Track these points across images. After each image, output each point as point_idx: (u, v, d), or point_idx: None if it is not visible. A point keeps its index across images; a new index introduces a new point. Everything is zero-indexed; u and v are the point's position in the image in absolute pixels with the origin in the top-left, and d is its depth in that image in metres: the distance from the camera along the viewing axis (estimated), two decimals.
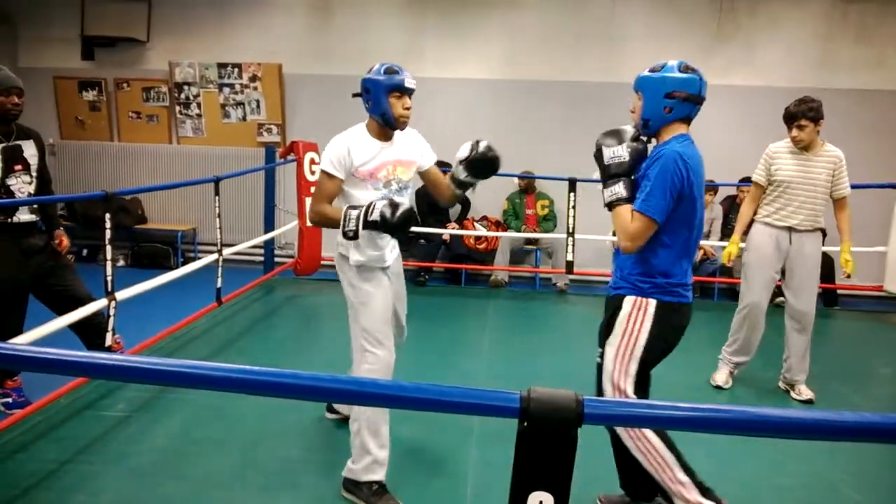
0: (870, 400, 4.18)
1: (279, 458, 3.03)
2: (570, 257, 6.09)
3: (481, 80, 7.07)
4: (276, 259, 6.82)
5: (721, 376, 4.14)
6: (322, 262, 6.38)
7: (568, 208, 6.01)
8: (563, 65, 6.92)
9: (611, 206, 2.31)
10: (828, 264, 6.44)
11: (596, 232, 6.57)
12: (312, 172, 6.07)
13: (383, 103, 2.64)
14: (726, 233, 6.65)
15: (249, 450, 3.12)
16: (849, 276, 3.95)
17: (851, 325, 6.01)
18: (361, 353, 2.75)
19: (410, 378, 3.37)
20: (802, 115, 3.73)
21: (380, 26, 7.10)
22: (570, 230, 6.03)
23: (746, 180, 6.51)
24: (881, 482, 3.12)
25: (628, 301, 2.35)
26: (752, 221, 4.04)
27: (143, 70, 7.32)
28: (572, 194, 5.97)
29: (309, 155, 6.04)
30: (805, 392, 3.96)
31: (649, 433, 2.28)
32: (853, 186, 5.46)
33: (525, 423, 0.92)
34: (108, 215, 3.50)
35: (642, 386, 2.41)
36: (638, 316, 2.33)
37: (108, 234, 3.51)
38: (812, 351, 4.11)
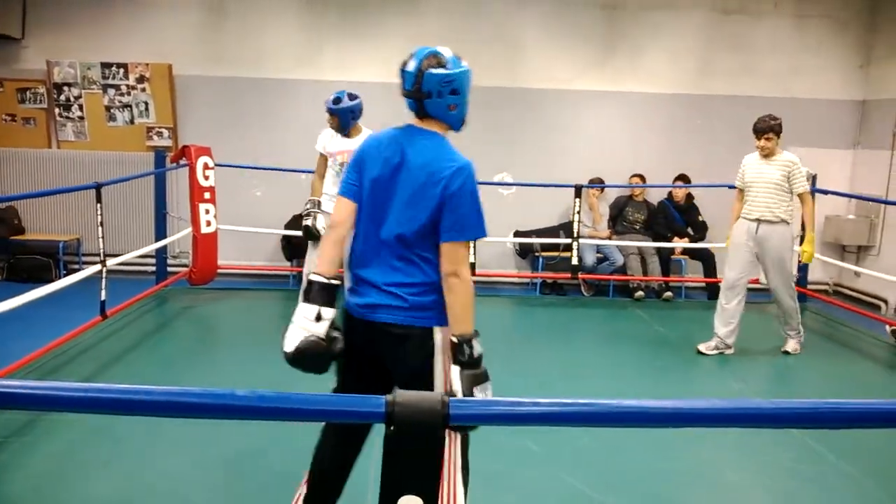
0: (747, 385, 4.46)
1: (169, 478, 2.90)
2: (472, 259, 6.17)
3: (381, 83, 7.03)
4: (170, 269, 6.53)
5: (705, 346, 4.94)
6: (219, 270, 6.18)
7: None
8: None
9: None
10: (709, 258, 6.83)
11: (496, 234, 6.70)
12: (206, 178, 5.87)
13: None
14: (620, 230, 6.92)
15: (138, 470, 2.97)
16: (805, 264, 4.85)
17: None
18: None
19: (304, 388, 3.29)
20: (770, 129, 4.70)
21: (276, 28, 6.95)
22: None
23: (639, 178, 6.88)
24: (763, 462, 3.32)
25: None
26: None
27: (17, 69, 6.83)
28: None
29: (202, 159, 5.84)
30: (789, 346, 4.97)
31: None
32: (730, 186, 5.86)
33: (391, 428, 0.92)
34: None
35: None
36: None
37: None
38: (695, 338, 4.91)
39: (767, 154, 4.73)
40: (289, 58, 6.97)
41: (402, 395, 0.91)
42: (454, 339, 2.01)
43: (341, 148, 4.62)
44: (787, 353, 4.96)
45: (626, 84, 7.10)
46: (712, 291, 6.82)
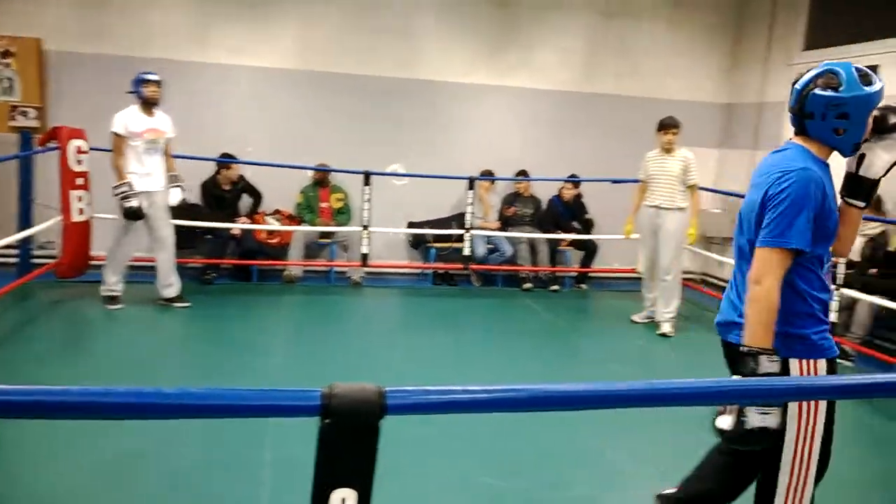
0: (627, 366, 4.71)
1: (50, 483, 2.70)
2: (365, 250, 6.13)
3: (275, 69, 6.84)
4: (35, 260, 6.04)
5: (638, 316, 5.71)
6: (91, 263, 5.78)
7: (363, 201, 6.04)
8: (359, 58, 6.90)
9: None
10: (593, 251, 7.15)
11: (389, 225, 6.69)
12: (79, 162, 5.47)
13: (140, 89, 4.94)
14: (511, 222, 7.09)
15: (19, 475, 2.74)
16: (690, 244, 5.73)
17: (612, 302, 6.69)
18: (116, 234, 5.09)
19: (199, 383, 3.18)
20: (677, 125, 5.28)
21: (162, 6, 6.56)
22: (366, 223, 6.07)
23: (521, 173, 7.08)
24: (645, 439, 3.53)
25: None
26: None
27: None
28: (367, 187, 6.00)
29: (74, 143, 5.42)
30: (665, 328, 5.35)
31: None
32: (613, 181, 6.21)
33: (327, 420, 0.90)
34: None
35: None
36: None
37: None
38: (581, 326, 5.34)
39: (669, 149, 5.29)
40: (176, 39, 6.62)
41: (339, 386, 0.90)
42: (742, 349, 1.91)
43: (147, 127, 4.96)
44: (663, 335, 5.32)
45: (517, 80, 7.28)
46: (581, 279, 7.24)
